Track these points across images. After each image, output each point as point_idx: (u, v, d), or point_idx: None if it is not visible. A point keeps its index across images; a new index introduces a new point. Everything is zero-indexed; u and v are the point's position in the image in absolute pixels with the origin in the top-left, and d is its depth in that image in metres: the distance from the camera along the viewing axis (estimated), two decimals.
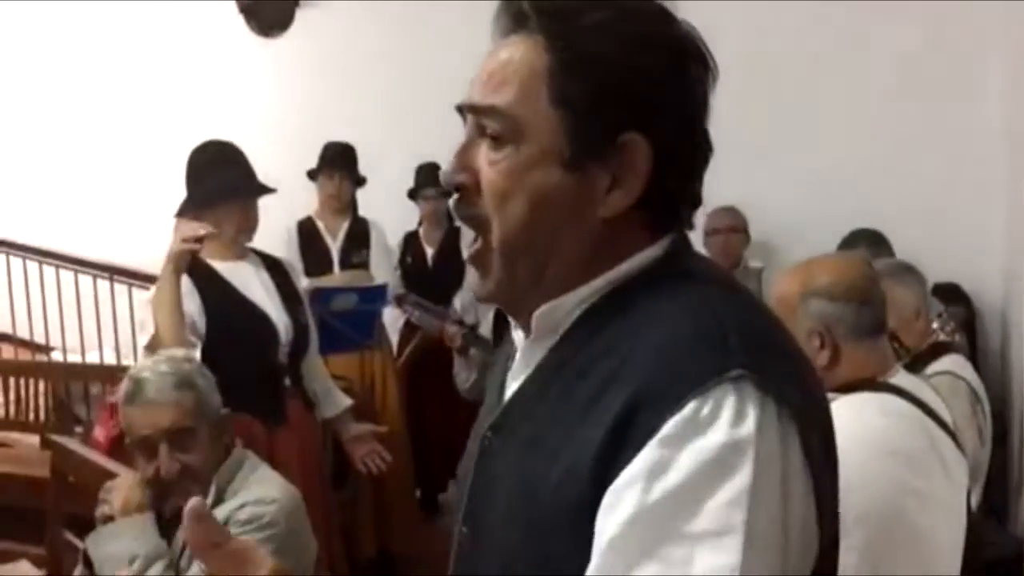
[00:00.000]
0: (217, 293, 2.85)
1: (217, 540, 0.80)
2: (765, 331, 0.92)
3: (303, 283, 3.89)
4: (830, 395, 1.79)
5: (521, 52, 0.93)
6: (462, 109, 0.97)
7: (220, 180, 2.88)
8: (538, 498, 0.88)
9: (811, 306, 1.81)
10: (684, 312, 0.88)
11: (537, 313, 0.95)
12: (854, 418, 1.77)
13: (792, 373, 0.89)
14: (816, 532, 0.88)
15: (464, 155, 0.96)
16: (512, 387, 1.00)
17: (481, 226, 0.96)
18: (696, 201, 0.98)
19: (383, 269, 4.51)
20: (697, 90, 0.94)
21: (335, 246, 4.55)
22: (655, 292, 0.92)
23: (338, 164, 4.49)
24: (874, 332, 1.85)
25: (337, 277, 4.37)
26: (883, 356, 1.88)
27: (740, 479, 0.80)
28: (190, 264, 2.80)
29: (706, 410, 0.81)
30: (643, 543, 0.80)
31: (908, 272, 2.78)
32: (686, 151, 0.94)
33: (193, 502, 0.80)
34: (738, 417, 0.81)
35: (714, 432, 0.80)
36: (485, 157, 0.94)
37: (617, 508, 0.81)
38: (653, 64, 0.91)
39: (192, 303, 2.79)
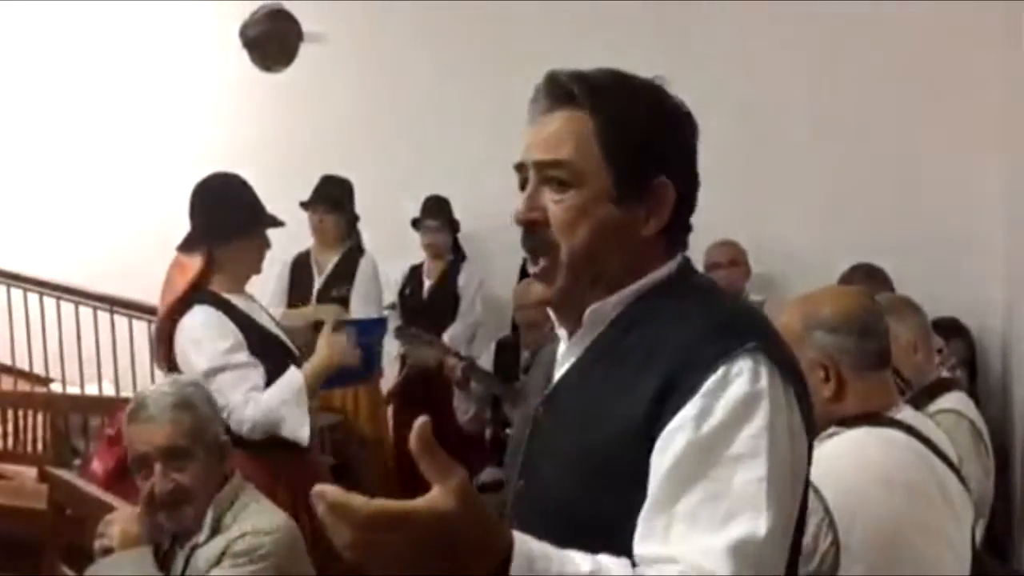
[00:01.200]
0: (244, 325, 2.85)
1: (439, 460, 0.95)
2: (763, 321, 1.27)
3: (278, 313, 3.94)
4: (833, 429, 1.80)
5: (573, 120, 1.24)
6: (522, 166, 1.27)
7: (237, 214, 2.88)
8: (594, 452, 1.16)
9: (814, 338, 1.81)
10: (702, 309, 1.21)
11: (589, 311, 1.25)
12: (855, 451, 1.77)
13: (786, 352, 1.21)
14: (807, 468, 1.20)
15: (533, 199, 1.25)
16: (559, 373, 1.30)
17: (549, 249, 1.24)
18: (690, 228, 1.30)
19: (365, 304, 4.49)
20: (693, 145, 1.28)
21: (319, 279, 4.56)
22: (675, 297, 1.23)
23: (318, 199, 4.52)
24: (878, 365, 1.85)
25: (309, 309, 4.33)
26: (888, 390, 1.87)
27: (760, 419, 1.10)
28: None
29: (733, 371, 1.12)
30: (693, 469, 1.08)
31: (904, 306, 2.77)
32: (692, 189, 1.27)
33: (421, 420, 0.95)
34: (755, 376, 1.12)
35: (739, 386, 1.11)
36: (550, 199, 1.24)
37: (670, 447, 1.09)
38: (669, 126, 1.26)
39: (238, 333, 2.80)
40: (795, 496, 1.14)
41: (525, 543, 0.98)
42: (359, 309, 4.41)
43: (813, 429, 1.22)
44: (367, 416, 4.50)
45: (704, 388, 1.11)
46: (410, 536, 0.91)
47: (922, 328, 2.79)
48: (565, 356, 1.31)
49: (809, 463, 1.22)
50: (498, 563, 0.95)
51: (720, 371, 1.11)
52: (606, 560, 1.03)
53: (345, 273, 4.55)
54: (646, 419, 1.13)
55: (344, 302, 4.46)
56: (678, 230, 1.27)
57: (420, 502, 0.92)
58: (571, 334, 1.30)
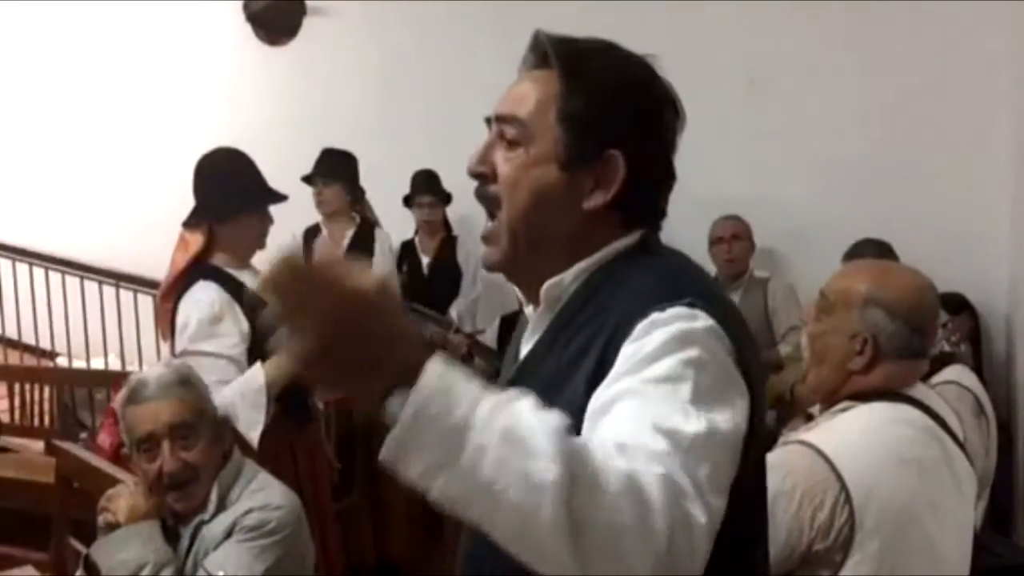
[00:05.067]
0: (250, 302, 2.82)
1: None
2: (712, 288, 1.24)
3: None
4: (846, 403, 1.80)
5: (541, 80, 1.23)
6: (489, 119, 1.26)
7: (239, 189, 2.87)
8: None
9: (869, 313, 1.80)
10: (651, 272, 1.19)
11: (544, 287, 1.23)
12: (872, 427, 1.77)
13: (728, 316, 1.15)
14: (744, 419, 1.08)
15: (486, 152, 1.25)
16: (525, 349, 1.28)
17: (494, 204, 1.24)
18: (661, 213, 1.27)
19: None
20: (667, 130, 1.24)
21: (338, 253, 4.55)
22: (631, 267, 1.21)
23: (318, 171, 4.52)
24: (917, 356, 1.85)
25: None
26: (914, 375, 1.87)
27: (691, 351, 1.05)
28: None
29: (665, 315, 1.08)
30: (617, 391, 1.03)
31: None
32: (652, 172, 1.24)
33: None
34: (690, 318, 1.08)
35: (672, 325, 1.07)
36: (502, 156, 1.23)
37: (602, 387, 1.06)
38: (636, 103, 1.22)
39: (239, 316, 2.79)
40: (734, 421, 1.05)
41: (445, 357, 0.94)
42: None
43: (759, 397, 1.16)
44: None
45: (634, 333, 1.08)
46: (325, 299, 0.90)
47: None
48: (530, 334, 1.28)
49: (755, 430, 1.12)
50: (412, 363, 0.90)
51: (651, 316, 1.08)
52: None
53: (363, 247, 4.55)
54: (589, 383, 1.10)
55: None
56: (635, 209, 1.23)
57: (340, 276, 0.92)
58: (535, 308, 1.28)
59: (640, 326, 1.08)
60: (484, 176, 1.24)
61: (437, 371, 0.89)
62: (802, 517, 1.65)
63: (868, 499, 1.65)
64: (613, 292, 1.18)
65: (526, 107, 1.21)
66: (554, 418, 0.90)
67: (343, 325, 0.90)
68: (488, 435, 0.86)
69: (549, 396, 1.10)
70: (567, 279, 1.22)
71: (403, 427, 0.86)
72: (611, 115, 1.20)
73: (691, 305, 1.10)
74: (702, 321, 1.08)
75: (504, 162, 1.22)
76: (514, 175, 1.21)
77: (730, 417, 1.04)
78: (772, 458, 1.74)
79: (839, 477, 1.65)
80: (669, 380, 1.02)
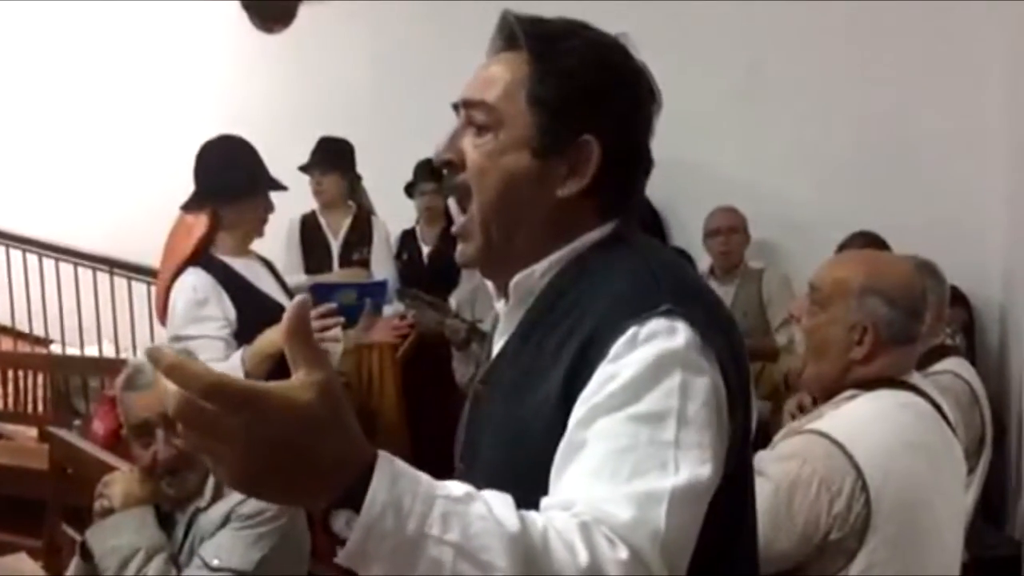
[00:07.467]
0: (240, 289, 2.86)
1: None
2: (689, 282, 1.17)
3: (300, 279, 3.92)
4: (851, 392, 1.81)
5: (509, 62, 1.18)
6: (457, 105, 1.20)
7: (245, 174, 2.89)
8: (520, 424, 1.10)
9: (868, 302, 1.81)
10: (627, 271, 1.13)
11: (513, 281, 1.19)
12: (879, 414, 1.79)
13: (708, 312, 1.11)
14: (728, 428, 1.07)
15: (454, 139, 1.20)
16: (497, 346, 1.24)
17: (464, 194, 1.19)
18: (638, 198, 1.23)
19: (384, 267, 4.50)
20: (642, 111, 1.20)
21: (336, 243, 4.55)
22: (605, 260, 1.16)
23: (315, 161, 4.51)
24: (912, 340, 1.87)
25: (335, 275, 4.37)
26: (911, 361, 1.90)
27: (673, 378, 1.01)
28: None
29: (643, 332, 1.03)
30: (598, 427, 0.99)
31: (930, 272, 2.75)
32: (628, 156, 1.19)
33: (299, 299, 0.88)
34: (670, 334, 1.03)
35: (651, 345, 1.02)
36: (471, 142, 1.18)
37: (578, 411, 1.02)
38: (610, 84, 1.17)
39: (224, 302, 2.81)
40: (716, 459, 1.02)
41: (391, 460, 0.84)
42: (380, 272, 4.42)
43: (745, 392, 1.14)
44: (389, 381, 4.48)
45: (612, 352, 1.03)
46: (253, 422, 0.77)
47: (941, 298, 2.80)
48: (502, 329, 1.24)
49: (744, 429, 1.12)
50: (356, 477, 0.81)
51: (629, 332, 1.03)
52: (487, 493, 0.90)
53: (361, 236, 4.54)
54: (563, 392, 1.06)
55: (364, 265, 4.46)
56: (611, 196, 1.18)
57: (272, 386, 0.79)
58: (507, 302, 1.23)
59: (618, 344, 1.03)
60: (452, 164, 1.19)
61: (385, 483, 0.82)
62: (819, 505, 1.66)
63: (884, 485, 1.67)
64: (587, 288, 1.13)
65: (495, 91, 1.16)
66: (510, 520, 0.86)
67: (272, 451, 0.79)
68: (442, 549, 0.82)
69: (522, 394, 1.12)
70: (537, 273, 1.18)
71: (356, 543, 0.82)
72: (584, 98, 1.15)
73: (669, 314, 1.04)
74: (682, 335, 1.03)
75: (473, 149, 1.17)
76: (484, 162, 1.16)
77: (714, 447, 1.02)
78: (786, 448, 1.77)
79: (855, 465, 1.67)
80: (651, 418, 0.98)
